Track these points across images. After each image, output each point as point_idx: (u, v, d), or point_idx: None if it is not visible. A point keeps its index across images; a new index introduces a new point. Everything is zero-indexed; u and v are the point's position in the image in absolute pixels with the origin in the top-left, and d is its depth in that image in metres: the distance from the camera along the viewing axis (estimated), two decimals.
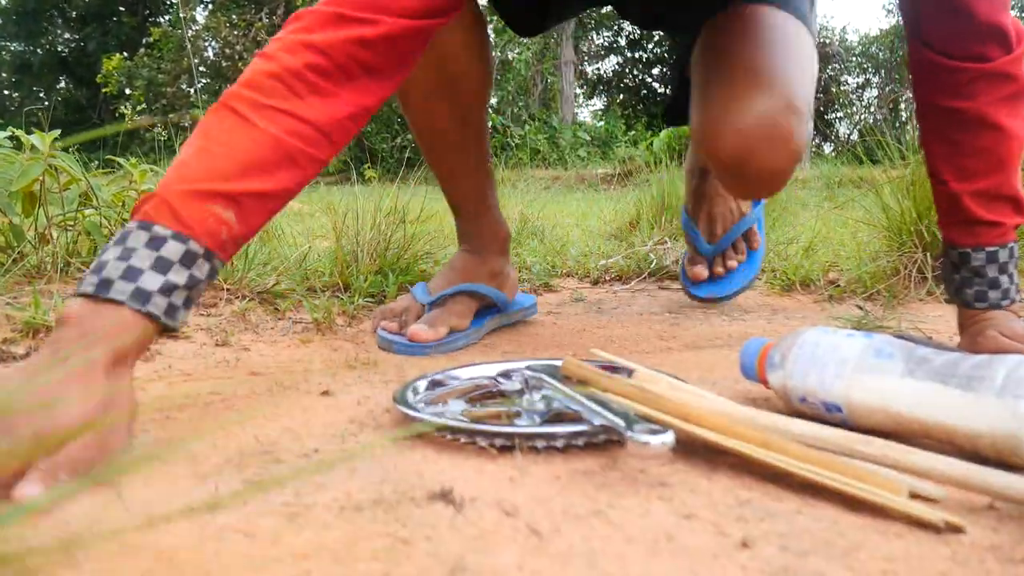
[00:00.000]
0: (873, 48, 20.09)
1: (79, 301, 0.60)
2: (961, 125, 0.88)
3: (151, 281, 0.61)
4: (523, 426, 0.64)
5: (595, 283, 1.69)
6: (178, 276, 0.63)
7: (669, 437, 0.54)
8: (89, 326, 0.59)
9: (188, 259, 0.63)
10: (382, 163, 8.00)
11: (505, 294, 1.15)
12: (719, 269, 1.32)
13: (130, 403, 0.60)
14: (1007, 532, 0.48)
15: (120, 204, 1.29)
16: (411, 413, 0.66)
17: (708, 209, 1.35)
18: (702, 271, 1.30)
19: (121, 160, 1.33)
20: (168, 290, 0.62)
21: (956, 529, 0.48)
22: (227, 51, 11.15)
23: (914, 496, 0.52)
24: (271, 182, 0.69)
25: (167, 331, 0.64)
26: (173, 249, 0.62)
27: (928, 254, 1.44)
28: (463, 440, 0.63)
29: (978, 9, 0.82)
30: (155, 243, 0.62)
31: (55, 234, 1.22)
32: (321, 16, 0.72)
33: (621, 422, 0.57)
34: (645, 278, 1.67)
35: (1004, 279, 0.91)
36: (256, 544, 0.46)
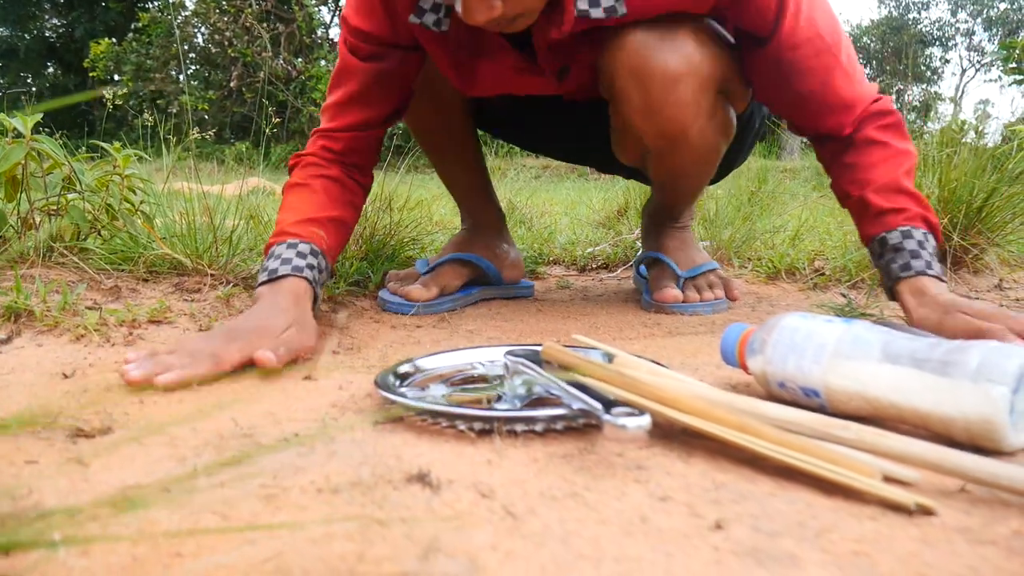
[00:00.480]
0: (865, 39, 20.11)
1: (261, 288, 0.96)
2: (853, 150, 1.03)
3: (298, 262, 0.98)
4: (503, 410, 0.64)
5: (582, 270, 1.70)
6: (310, 260, 0.99)
7: (646, 420, 0.54)
8: (273, 291, 0.94)
9: (312, 253, 1.00)
10: None
11: (494, 265, 1.30)
12: (692, 295, 1.22)
13: (311, 322, 0.93)
14: (978, 514, 0.49)
15: (104, 189, 1.28)
16: (392, 397, 0.66)
17: (676, 251, 1.32)
18: (676, 293, 1.21)
19: (105, 145, 1.32)
20: (309, 267, 0.98)
21: (928, 511, 0.49)
22: (216, 37, 11.05)
23: (888, 479, 0.52)
24: (334, 211, 1.06)
25: (315, 299, 0.99)
26: (303, 248, 0.99)
27: None
28: (443, 424, 0.63)
29: (828, 124, 1.03)
30: (292, 247, 0.99)
31: (38, 219, 1.21)
32: (328, 105, 1.12)
33: (599, 405, 0.57)
34: (631, 266, 1.67)
35: (924, 253, 0.97)
36: (232, 525, 0.46)
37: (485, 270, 1.28)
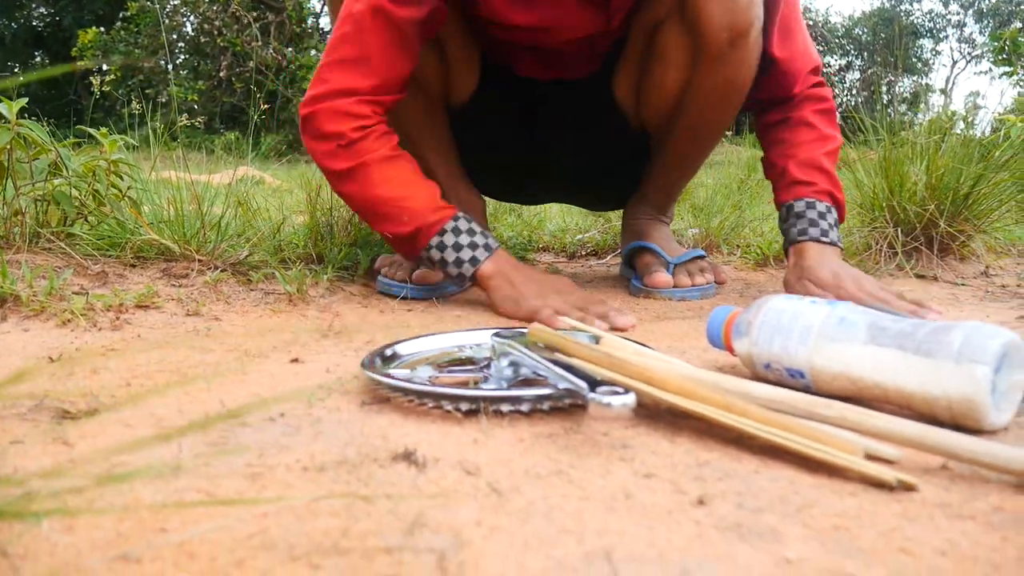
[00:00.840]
0: (856, 30, 20.13)
1: (488, 264, 1.05)
2: (788, 127, 1.19)
3: (487, 232, 1.08)
4: (489, 390, 0.64)
5: (571, 257, 1.70)
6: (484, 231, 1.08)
7: (631, 399, 0.55)
8: (505, 260, 1.07)
9: (472, 220, 1.07)
10: None
11: None
12: (684, 280, 1.23)
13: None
14: (958, 490, 0.49)
15: (90, 174, 1.28)
16: (378, 378, 0.66)
17: (663, 240, 1.35)
18: (667, 278, 1.22)
19: (91, 130, 1.31)
20: (488, 235, 1.08)
21: (909, 488, 0.49)
22: (205, 27, 10.97)
23: (870, 457, 0.53)
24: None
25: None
26: (472, 219, 1.08)
27: (899, 229, 1.46)
28: (430, 405, 0.63)
29: (796, 69, 1.18)
30: (468, 220, 1.07)
31: (23, 204, 1.20)
32: (346, 59, 1.05)
33: (584, 384, 0.57)
34: (620, 253, 1.67)
35: (823, 223, 1.12)
36: (217, 503, 0.46)
37: None
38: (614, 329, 0.94)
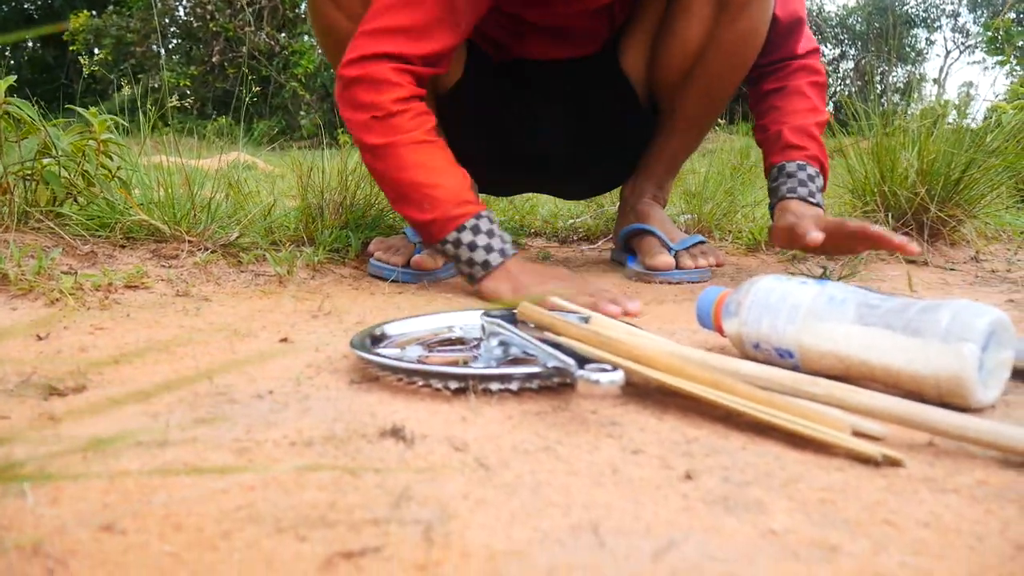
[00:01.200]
0: (851, 19, 20.09)
1: (500, 269, 1.01)
2: (784, 95, 1.24)
3: (505, 235, 1.04)
4: (478, 368, 0.64)
5: (563, 242, 1.70)
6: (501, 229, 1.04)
7: (619, 376, 0.55)
8: (519, 265, 1.02)
9: (494, 220, 1.04)
10: None
11: None
12: (687, 262, 1.23)
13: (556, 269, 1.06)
14: (942, 465, 0.50)
15: (80, 154, 1.27)
16: (367, 356, 0.66)
17: (663, 223, 1.35)
18: (669, 260, 1.22)
19: (81, 110, 1.30)
20: (507, 239, 1.04)
21: (895, 463, 0.49)
22: (198, 11, 10.88)
23: (857, 434, 0.53)
24: (459, 166, 1.06)
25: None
26: (492, 218, 1.03)
27: (890, 215, 1.46)
28: (419, 383, 0.63)
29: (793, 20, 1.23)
30: (491, 221, 1.02)
31: (12, 183, 1.19)
32: (399, 27, 1.03)
33: (572, 362, 0.57)
34: (612, 238, 1.67)
35: (811, 185, 1.17)
36: (204, 476, 0.46)
37: None
38: (626, 314, 0.89)
